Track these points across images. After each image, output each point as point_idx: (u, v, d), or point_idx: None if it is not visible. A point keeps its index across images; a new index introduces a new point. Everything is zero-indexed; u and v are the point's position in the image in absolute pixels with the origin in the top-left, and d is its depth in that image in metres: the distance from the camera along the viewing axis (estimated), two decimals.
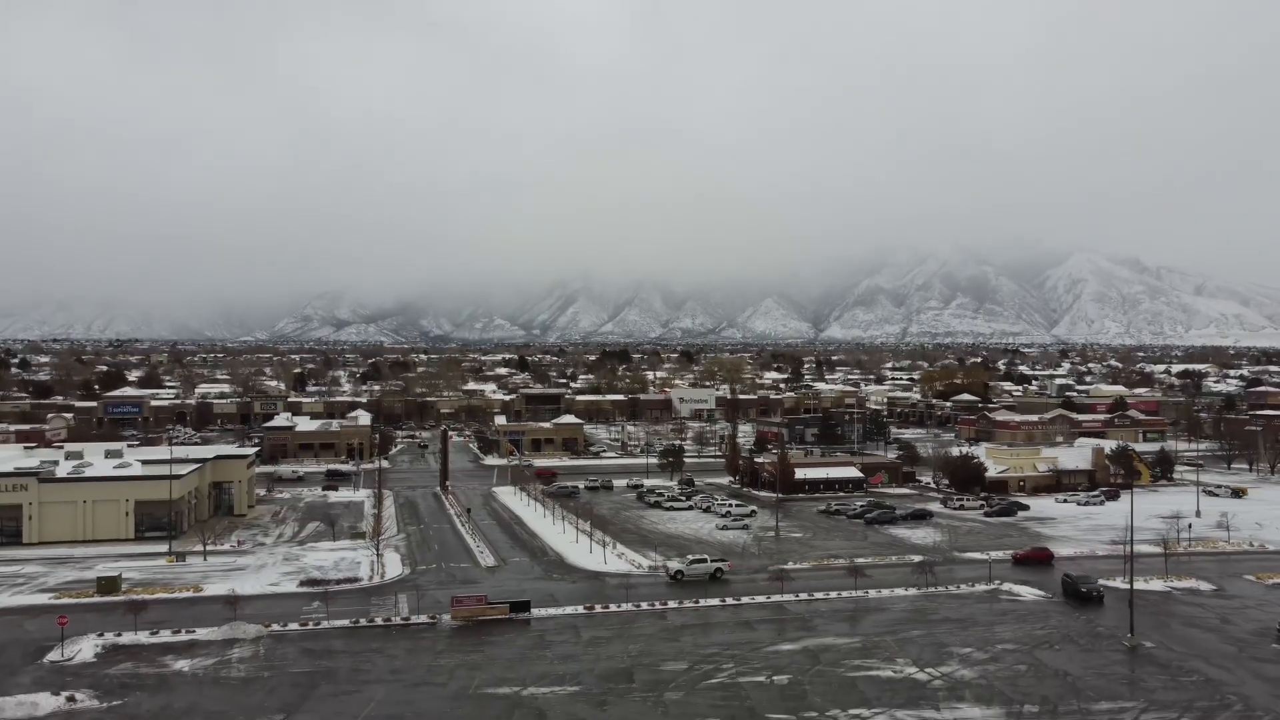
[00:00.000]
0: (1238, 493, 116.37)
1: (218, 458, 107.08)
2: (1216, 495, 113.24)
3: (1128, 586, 61.32)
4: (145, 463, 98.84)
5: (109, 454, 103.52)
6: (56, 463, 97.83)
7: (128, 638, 57.01)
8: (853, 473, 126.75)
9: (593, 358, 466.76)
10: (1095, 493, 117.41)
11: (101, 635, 57.09)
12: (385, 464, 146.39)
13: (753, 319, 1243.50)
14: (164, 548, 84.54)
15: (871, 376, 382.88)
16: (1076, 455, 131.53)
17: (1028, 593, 68.36)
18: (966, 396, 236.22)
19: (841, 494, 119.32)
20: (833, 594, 68.06)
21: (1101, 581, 68.54)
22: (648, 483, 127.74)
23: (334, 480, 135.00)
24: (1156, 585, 69.38)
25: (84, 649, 54.64)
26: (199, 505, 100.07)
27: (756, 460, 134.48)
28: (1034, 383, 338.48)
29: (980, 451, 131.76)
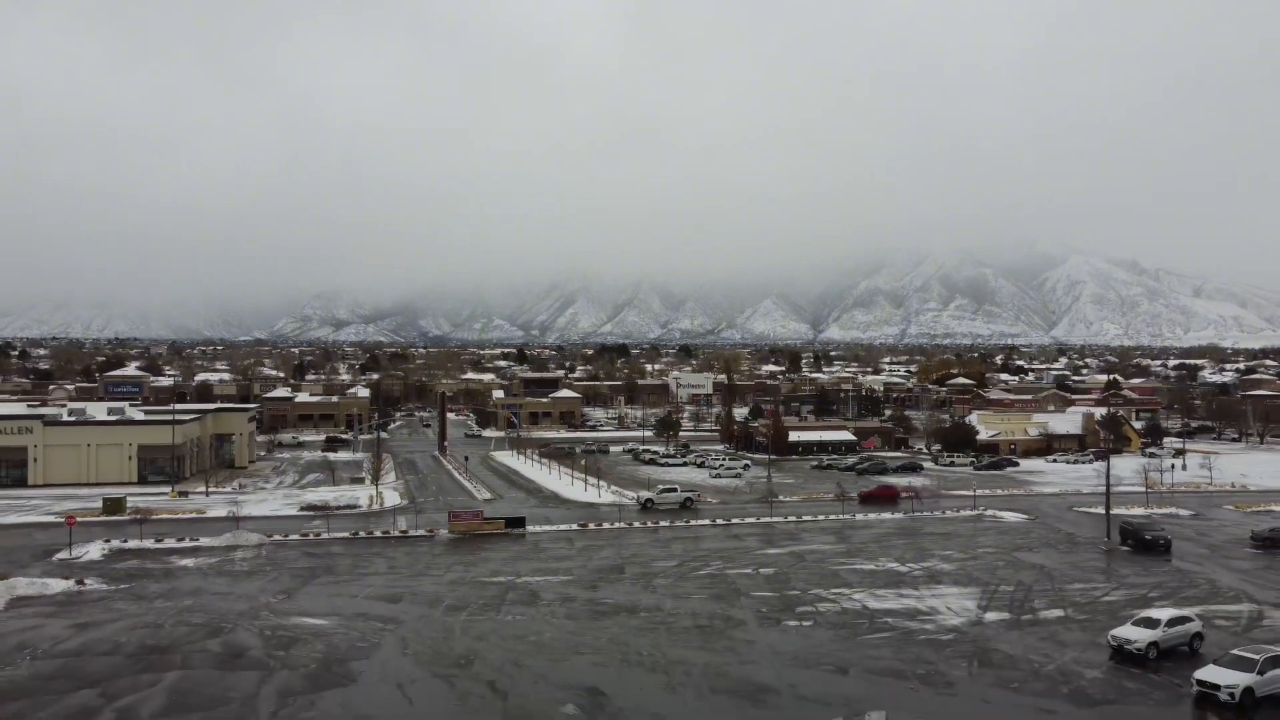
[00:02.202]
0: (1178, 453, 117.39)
1: (219, 409, 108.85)
2: (1157, 456, 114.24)
3: (1106, 512, 63.10)
4: (148, 412, 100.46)
5: (111, 411, 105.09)
6: (60, 416, 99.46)
7: (134, 544, 58.74)
8: (846, 435, 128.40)
9: (590, 352, 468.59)
10: (1085, 453, 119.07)
11: (109, 541, 58.77)
12: (385, 435, 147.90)
13: (751, 320, 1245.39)
14: (167, 490, 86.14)
15: (869, 369, 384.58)
16: (1067, 421, 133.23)
17: (1012, 516, 70.10)
18: (962, 380, 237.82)
19: (835, 455, 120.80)
20: (820, 516, 69.85)
21: (1081, 509, 70.16)
22: (643, 446, 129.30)
23: (334, 444, 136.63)
24: (1138, 511, 71.04)
25: (91, 551, 56.27)
26: (200, 455, 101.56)
27: (751, 425, 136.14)
28: (1030, 374, 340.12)
29: (973, 418, 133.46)
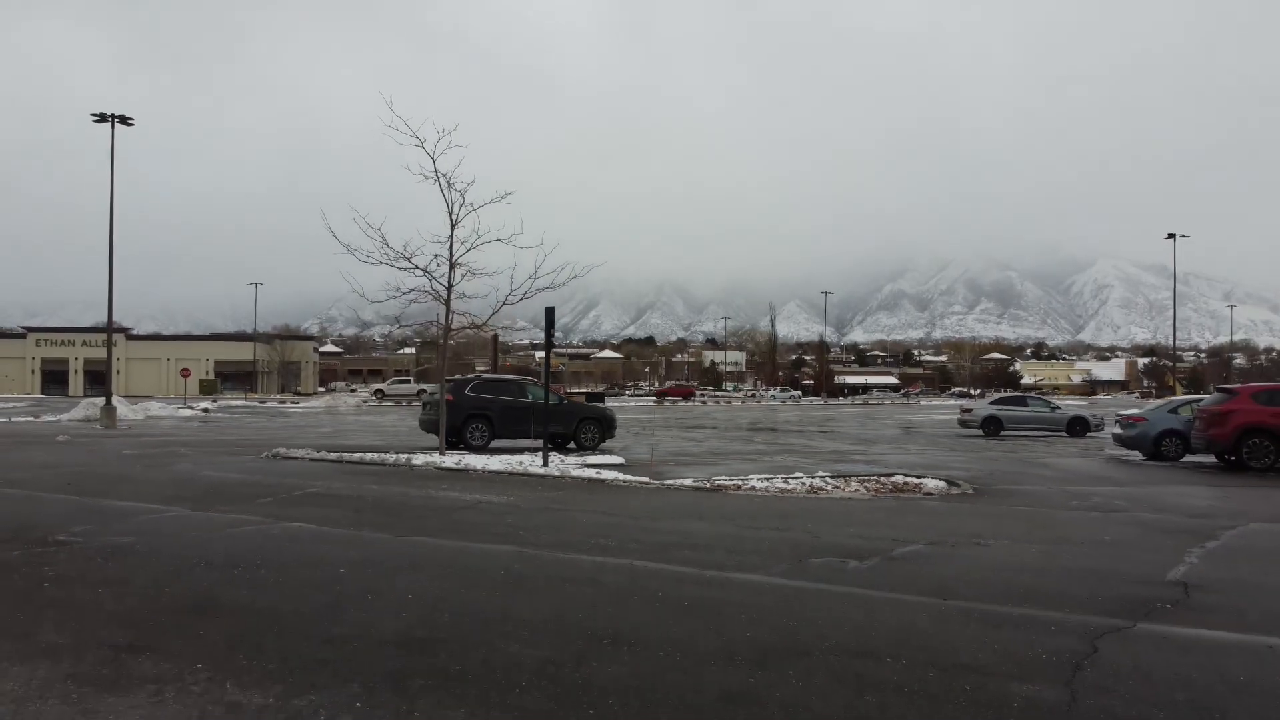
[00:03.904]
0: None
1: (288, 335, 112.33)
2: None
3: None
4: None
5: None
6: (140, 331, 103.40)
7: (240, 403, 62.03)
8: (891, 380, 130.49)
9: (618, 344, 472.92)
10: (1129, 394, 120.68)
11: (216, 401, 62.11)
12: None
13: (776, 323, 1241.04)
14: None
15: (899, 356, 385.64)
16: (1111, 368, 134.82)
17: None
18: (997, 355, 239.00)
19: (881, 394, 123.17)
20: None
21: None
22: None
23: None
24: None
25: (205, 404, 59.63)
26: (270, 378, 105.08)
27: (795, 374, 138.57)
28: (1060, 361, 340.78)
29: (1017, 365, 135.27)
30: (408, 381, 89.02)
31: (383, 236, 20.77)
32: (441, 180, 20.88)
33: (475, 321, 22.83)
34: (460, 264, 21.28)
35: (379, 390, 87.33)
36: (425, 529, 10.06)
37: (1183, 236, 76.90)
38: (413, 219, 22.58)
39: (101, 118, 41.34)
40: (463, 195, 20.99)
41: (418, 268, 21.04)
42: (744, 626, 6.08)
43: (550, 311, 21.22)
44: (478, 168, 21.58)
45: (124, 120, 41.86)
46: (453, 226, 21.07)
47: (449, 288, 21.38)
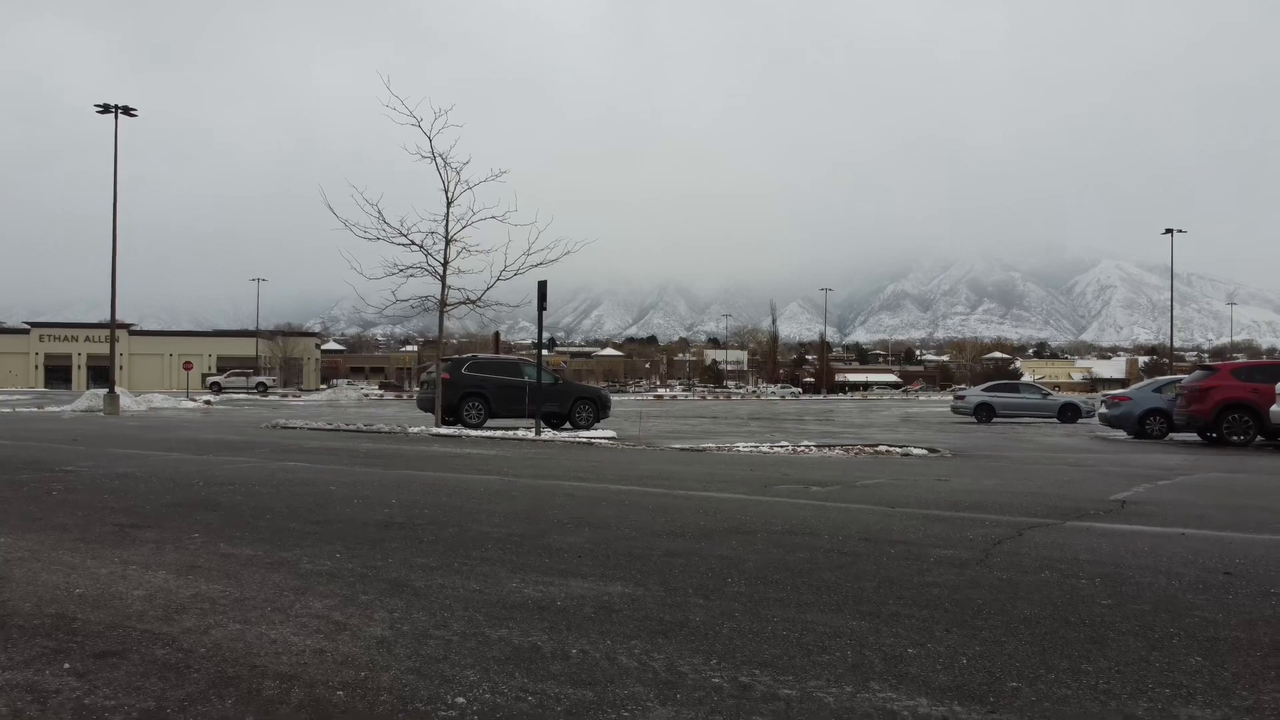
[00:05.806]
0: None
1: (290, 332, 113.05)
2: None
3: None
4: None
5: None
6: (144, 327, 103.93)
7: (243, 397, 62.68)
8: (892, 378, 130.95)
9: (620, 342, 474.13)
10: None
11: (219, 393, 62.72)
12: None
13: (778, 323, 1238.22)
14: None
15: (901, 355, 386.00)
16: (1111, 367, 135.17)
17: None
18: (998, 354, 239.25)
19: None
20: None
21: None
22: None
23: (386, 388, 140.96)
24: None
25: (208, 395, 60.25)
26: (272, 374, 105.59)
27: (796, 372, 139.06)
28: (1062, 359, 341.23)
29: (1017, 364, 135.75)
30: (246, 375, 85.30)
31: (379, 211, 21.33)
32: (438, 159, 21.45)
33: (470, 297, 23.28)
34: (456, 240, 21.84)
35: (215, 384, 78.29)
36: (414, 467, 10.59)
37: (1180, 232, 77.17)
38: (411, 211, 23.14)
39: (105, 108, 41.86)
40: (458, 173, 21.54)
41: (414, 243, 21.61)
42: (698, 518, 6.60)
43: (543, 285, 21.69)
44: (477, 167, 22.20)
45: (128, 111, 42.36)
46: (448, 204, 21.63)
47: (444, 263, 21.91)
